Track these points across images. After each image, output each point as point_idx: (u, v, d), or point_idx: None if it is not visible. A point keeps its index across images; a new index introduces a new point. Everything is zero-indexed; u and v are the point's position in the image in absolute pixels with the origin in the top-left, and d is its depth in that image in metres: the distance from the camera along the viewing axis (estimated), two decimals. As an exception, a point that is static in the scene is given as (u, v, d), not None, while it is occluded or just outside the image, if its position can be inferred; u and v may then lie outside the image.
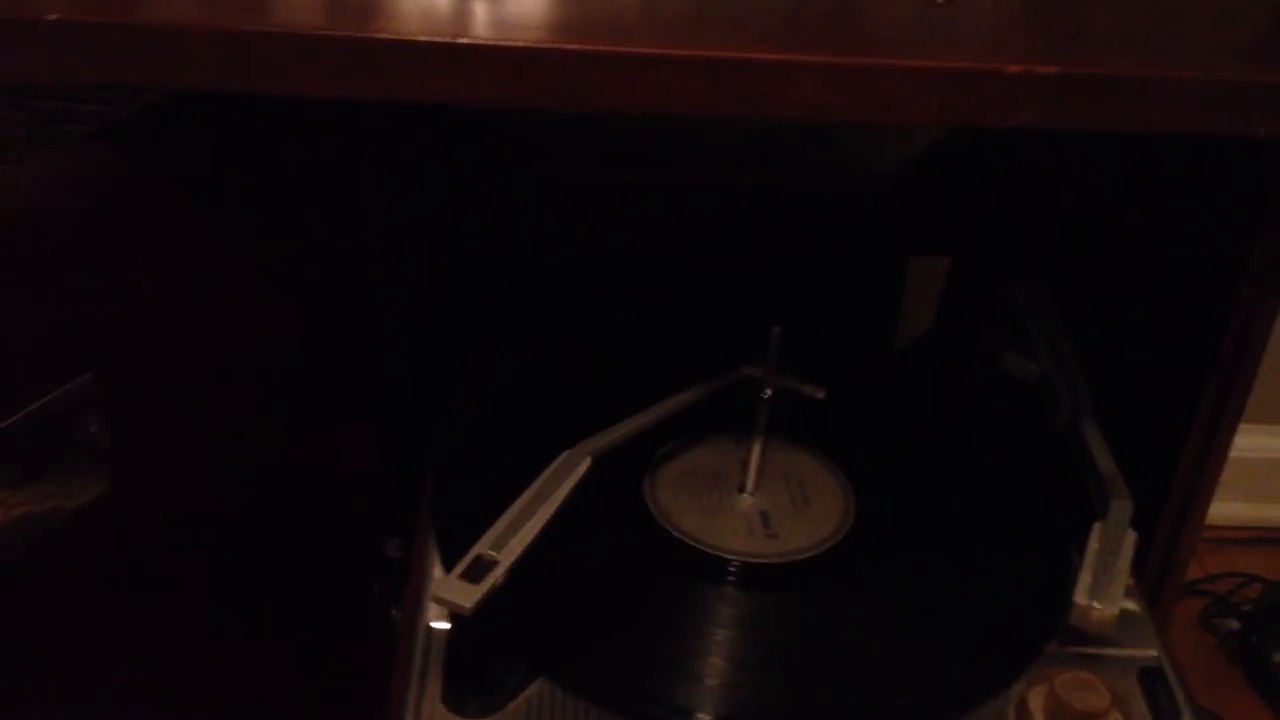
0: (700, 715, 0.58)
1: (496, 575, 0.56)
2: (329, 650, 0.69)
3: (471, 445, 0.71)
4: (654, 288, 0.82)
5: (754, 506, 0.69)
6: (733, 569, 0.65)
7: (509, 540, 0.58)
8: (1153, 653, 0.64)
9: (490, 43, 0.48)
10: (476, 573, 0.56)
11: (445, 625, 0.60)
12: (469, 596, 0.55)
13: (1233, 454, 1.22)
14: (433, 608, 0.60)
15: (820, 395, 0.68)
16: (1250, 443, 1.24)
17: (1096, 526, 0.65)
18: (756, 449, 0.69)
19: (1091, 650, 0.63)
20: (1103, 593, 0.61)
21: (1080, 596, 0.61)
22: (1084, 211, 0.80)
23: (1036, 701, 0.60)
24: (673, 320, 0.80)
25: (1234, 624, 1.14)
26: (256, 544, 0.64)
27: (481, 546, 0.58)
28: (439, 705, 0.58)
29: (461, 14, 0.51)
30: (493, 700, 0.58)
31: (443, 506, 0.67)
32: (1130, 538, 0.64)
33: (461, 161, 0.76)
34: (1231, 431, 0.69)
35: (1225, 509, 1.26)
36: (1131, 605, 0.61)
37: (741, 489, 0.69)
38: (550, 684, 0.59)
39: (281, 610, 0.67)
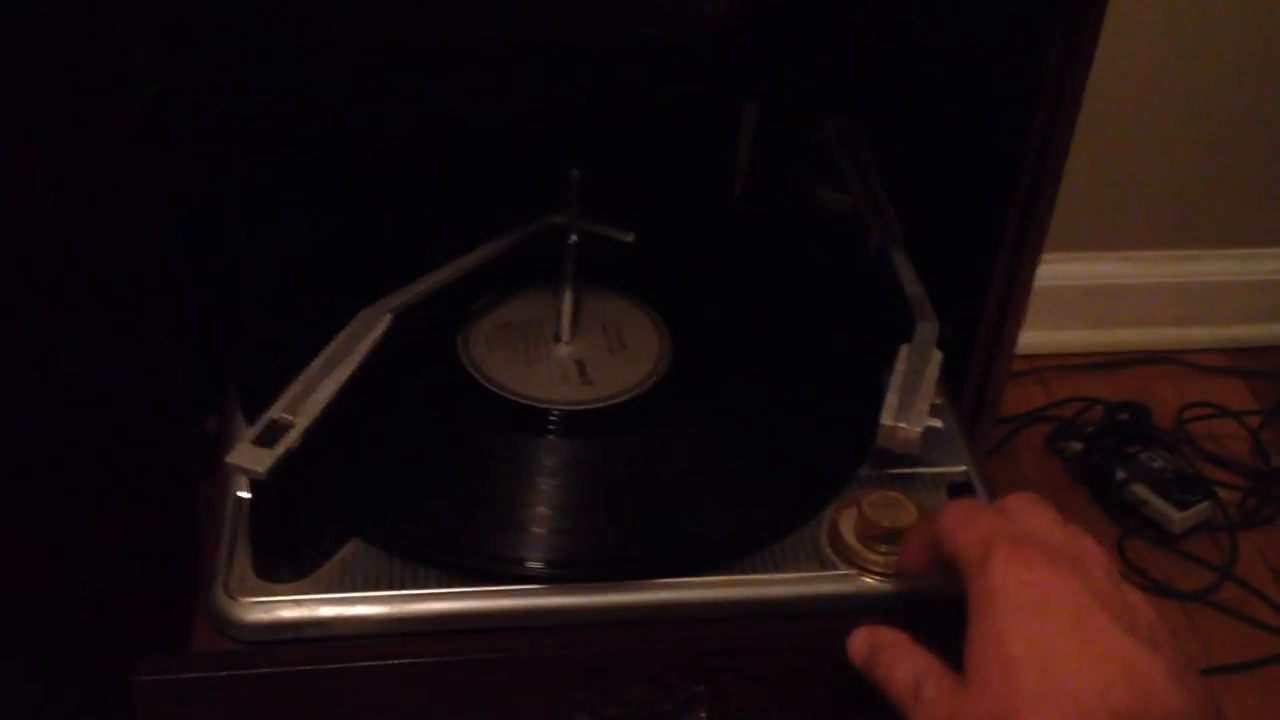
0: (526, 561, 0.58)
1: (291, 439, 0.55)
2: (153, 535, 0.68)
3: (275, 312, 0.69)
4: (464, 147, 0.80)
5: (570, 355, 0.68)
6: (547, 417, 0.65)
7: (304, 402, 0.57)
8: (961, 468, 0.65)
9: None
10: (270, 437, 0.55)
11: (249, 495, 0.59)
12: (262, 461, 0.54)
13: (1075, 281, 1.26)
14: (241, 478, 0.59)
15: (628, 238, 0.68)
16: (1090, 270, 1.27)
17: (903, 349, 0.65)
18: (568, 297, 0.68)
19: (904, 471, 0.64)
20: (908, 413, 0.62)
21: (886, 417, 0.62)
22: (887, 40, 0.80)
23: (847, 523, 0.61)
24: (486, 181, 0.79)
25: (1077, 446, 1.18)
26: (63, 433, 0.63)
27: (276, 410, 0.56)
28: (250, 574, 0.58)
29: None
30: (304, 565, 0.58)
31: (247, 375, 0.65)
32: (935, 357, 0.65)
33: (237, 19, 0.73)
34: (1037, 250, 0.70)
35: (1070, 336, 1.29)
36: (937, 423, 0.62)
37: (557, 339, 0.69)
38: (366, 544, 0.59)
39: (101, 501, 0.65)
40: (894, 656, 0.52)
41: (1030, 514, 0.52)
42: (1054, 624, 0.47)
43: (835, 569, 0.60)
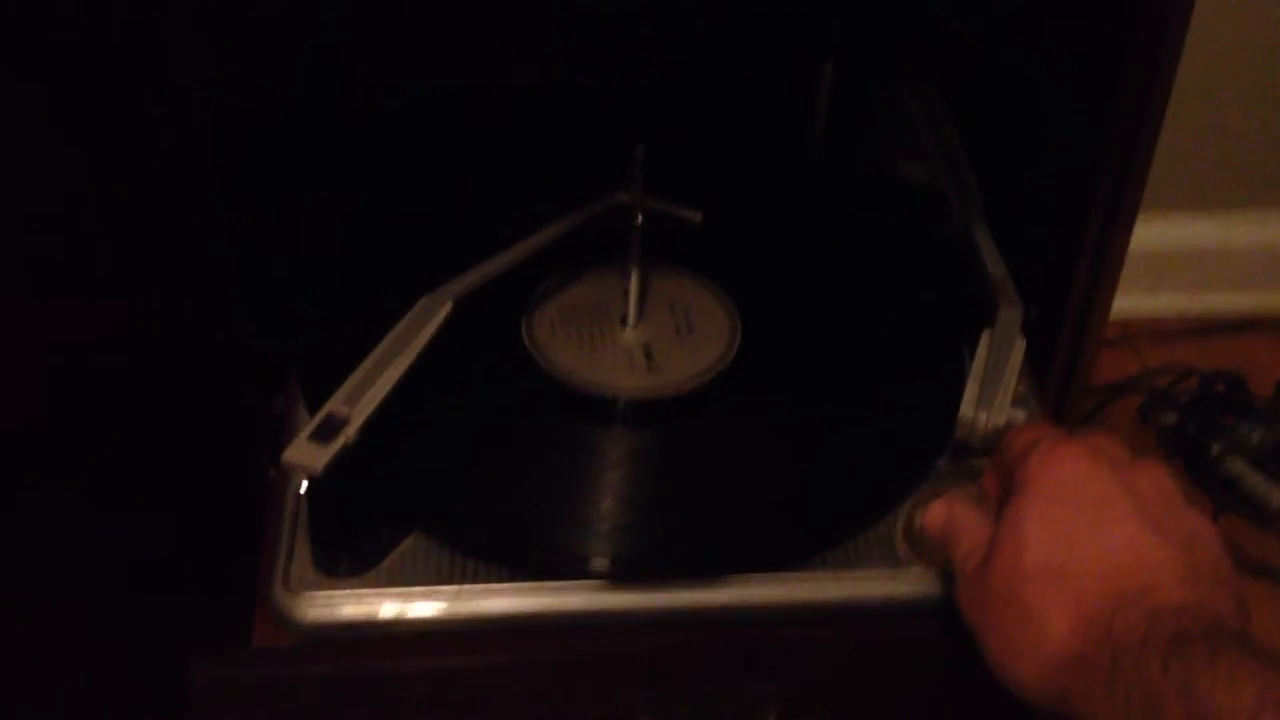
0: (592, 558, 0.57)
1: (348, 433, 0.54)
2: (218, 519, 0.67)
3: (335, 292, 0.68)
4: (528, 123, 0.78)
5: (636, 339, 0.66)
6: (613, 405, 0.63)
7: (363, 395, 0.56)
8: (1045, 459, 0.62)
9: None
10: (327, 432, 0.54)
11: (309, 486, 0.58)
12: (318, 458, 0.53)
13: (1168, 243, 1.21)
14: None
15: (697, 218, 0.65)
16: (1184, 230, 1.21)
17: (985, 335, 0.62)
18: (634, 279, 0.66)
19: (984, 463, 0.62)
20: (990, 403, 0.59)
21: (966, 408, 0.59)
22: (975, 5, 0.76)
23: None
24: (550, 159, 0.76)
25: (1172, 417, 1.14)
26: (124, 412, 0.62)
27: (333, 404, 0.55)
28: (309, 568, 0.57)
29: None
30: (364, 559, 0.57)
31: (307, 359, 0.64)
32: (1019, 345, 0.62)
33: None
34: (1131, 217, 0.66)
35: (1164, 301, 1.24)
36: (1020, 414, 0.59)
37: (623, 322, 0.67)
38: (427, 537, 0.58)
39: (163, 480, 0.65)
40: (959, 530, 0.53)
41: (1098, 434, 0.52)
42: (1074, 508, 0.48)
43: (911, 567, 0.57)
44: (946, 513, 0.54)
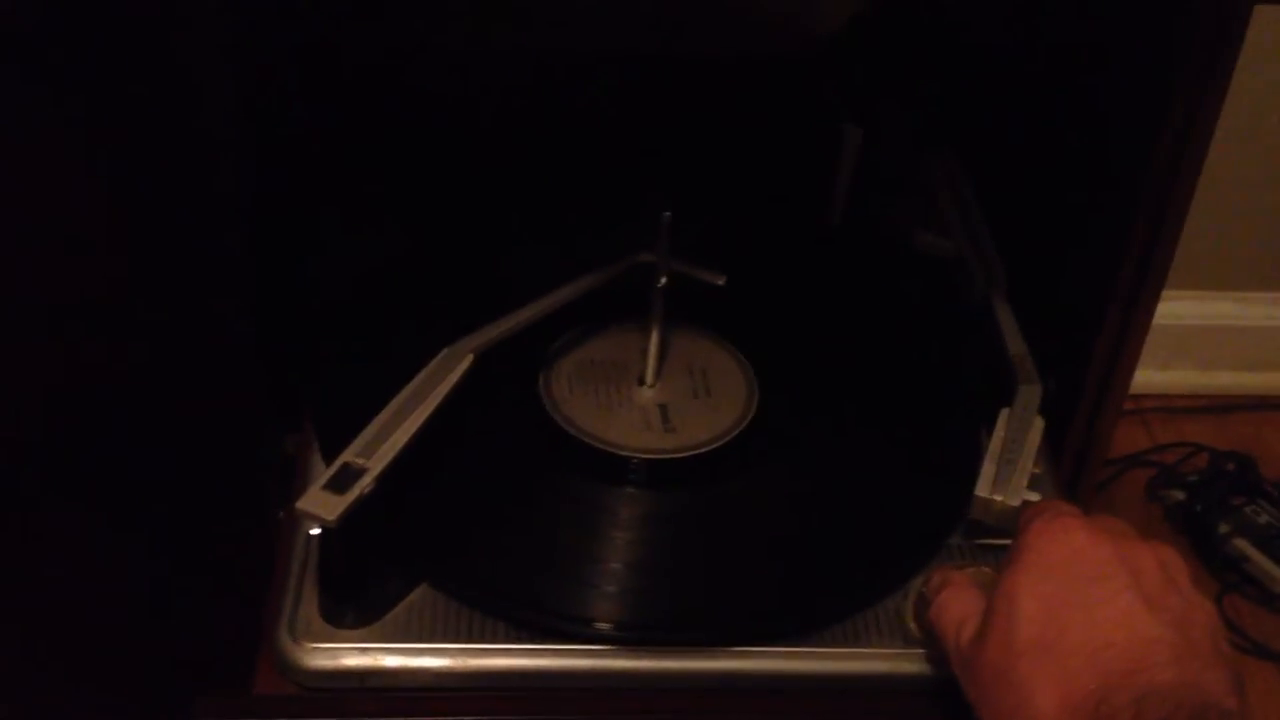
0: (598, 621, 0.56)
1: (364, 484, 0.54)
2: (225, 561, 0.67)
3: (357, 337, 0.68)
4: (550, 168, 0.78)
5: (653, 399, 0.66)
6: (628, 465, 0.63)
7: (380, 446, 0.55)
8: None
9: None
10: (343, 482, 0.54)
11: (319, 534, 0.58)
12: (332, 509, 0.53)
13: (1184, 320, 1.21)
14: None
15: (720, 281, 0.65)
16: (1201, 308, 1.22)
17: (1003, 414, 0.62)
18: (654, 339, 0.66)
19: (997, 542, 0.61)
20: (1005, 484, 0.59)
21: (982, 489, 0.59)
22: (1001, 80, 0.76)
23: (934, 597, 0.58)
24: (574, 203, 0.77)
25: (1180, 495, 1.13)
26: (140, 444, 0.62)
27: (350, 454, 0.55)
28: (315, 618, 0.56)
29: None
30: (371, 610, 0.56)
31: (324, 404, 0.64)
32: (1037, 425, 0.62)
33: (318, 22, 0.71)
34: (1150, 309, 0.66)
35: (1176, 377, 1.24)
36: (1035, 496, 0.59)
37: (641, 381, 0.67)
38: (435, 591, 0.58)
39: (173, 519, 0.65)
40: (950, 597, 0.53)
41: (1108, 517, 0.52)
42: (1070, 583, 0.48)
43: (918, 647, 0.57)
44: (941, 579, 0.55)
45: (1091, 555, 0.49)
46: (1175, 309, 1.20)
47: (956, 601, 0.53)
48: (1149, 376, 1.22)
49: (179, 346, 0.62)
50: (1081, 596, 0.47)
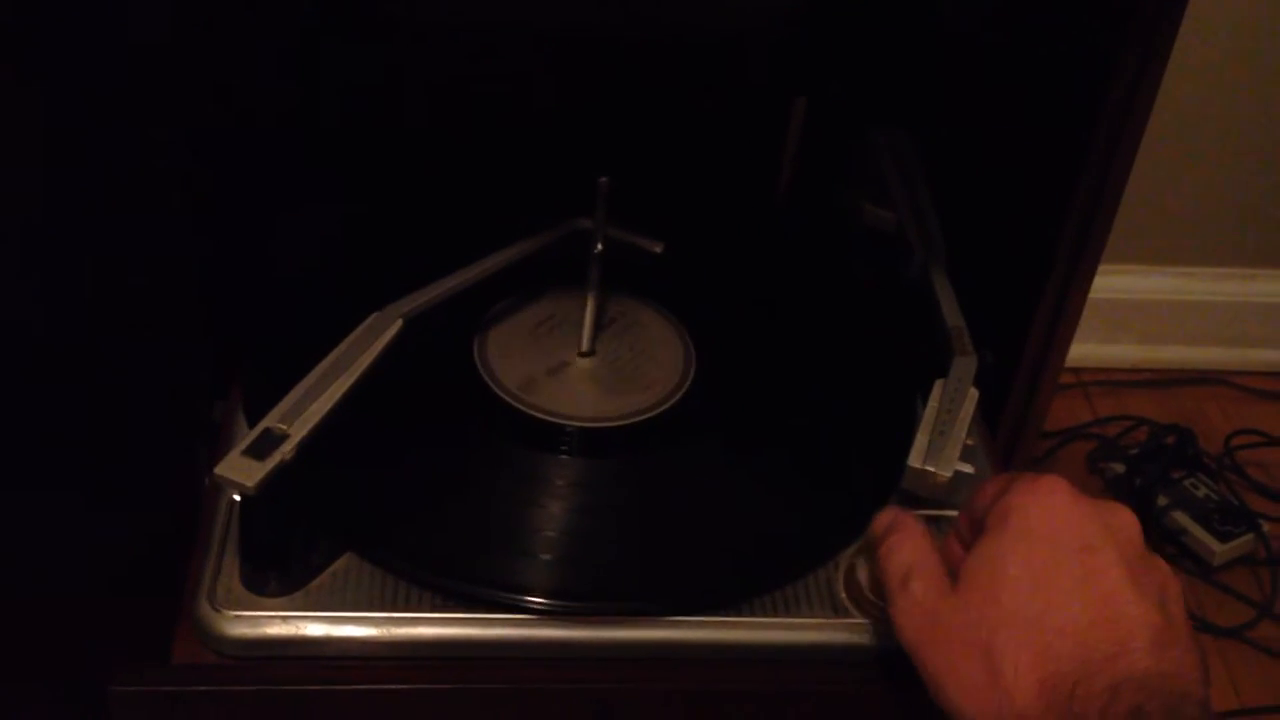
0: (528, 592, 0.55)
1: (285, 451, 0.53)
2: (145, 530, 0.65)
3: (286, 306, 0.67)
4: (491, 146, 0.77)
5: (589, 367, 0.65)
6: (561, 433, 0.62)
7: (303, 412, 0.54)
8: (992, 513, 0.62)
9: None
10: (263, 448, 0.53)
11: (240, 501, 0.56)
12: (252, 475, 0.51)
13: (1125, 294, 1.21)
14: (234, 484, 0.57)
15: (657, 249, 0.65)
16: (1142, 283, 1.22)
17: (937, 385, 0.62)
18: (590, 306, 0.65)
19: (930, 513, 0.61)
20: (938, 455, 0.59)
21: (914, 459, 0.59)
22: (948, 52, 0.76)
23: (864, 568, 0.58)
24: (512, 183, 0.75)
25: (1120, 467, 1.14)
26: (61, 403, 0.61)
27: (271, 419, 0.54)
28: (237, 585, 0.55)
29: None
30: (293, 578, 0.55)
31: (251, 370, 0.63)
32: (971, 397, 0.62)
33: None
34: (1087, 281, 0.66)
35: (1118, 351, 1.25)
36: (968, 468, 0.59)
37: (578, 349, 0.66)
38: (360, 560, 0.57)
39: (90, 482, 0.63)
40: (900, 540, 0.51)
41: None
42: (1058, 554, 0.47)
43: (849, 617, 0.57)
44: (891, 519, 0.53)
45: (1079, 523, 0.47)
46: (1117, 283, 1.21)
47: (907, 546, 0.51)
48: (1091, 350, 1.23)
49: (107, 304, 0.60)
50: (1070, 569, 0.46)
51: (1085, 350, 1.22)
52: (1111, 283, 1.20)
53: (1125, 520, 0.49)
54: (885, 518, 0.53)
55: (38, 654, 0.62)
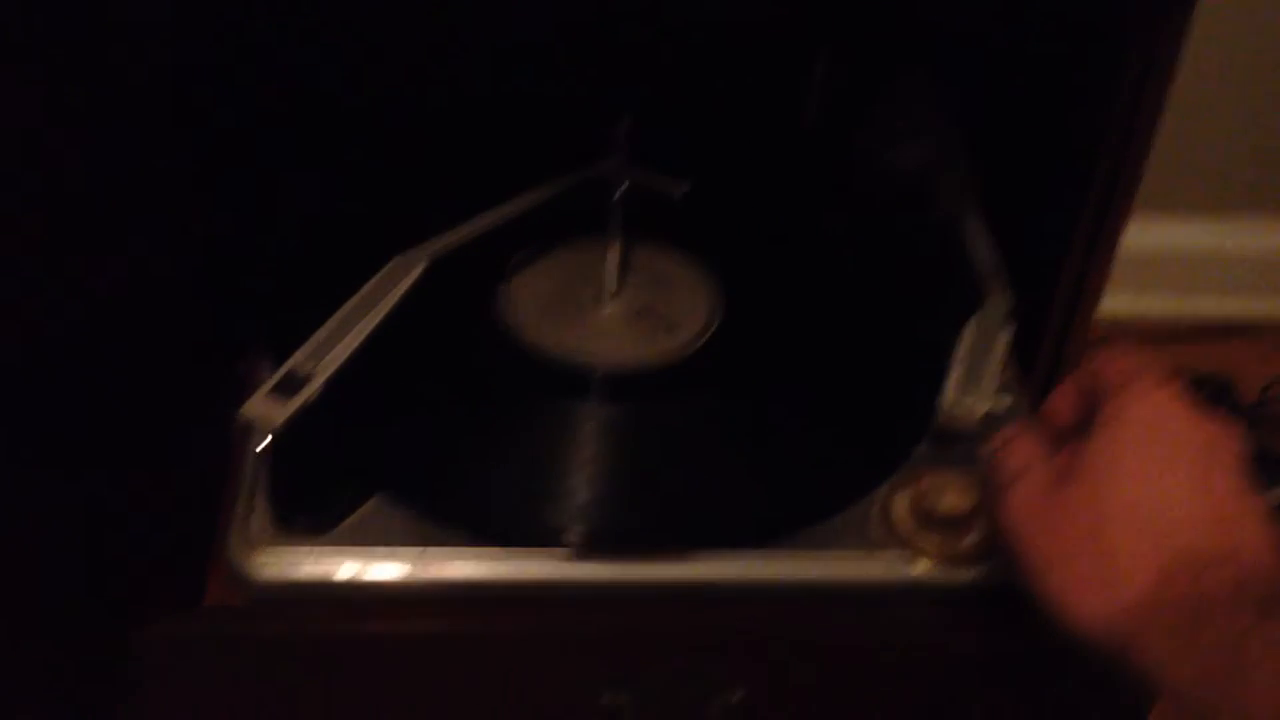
0: (560, 529, 0.55)
1: (310, 391, 0.52)
2: (176, 482, 0.65)
3: (309, 255, 0.66)
4: (517, 87, 0.76)
5: (614, 312, 0.65)
6: (588, 378, 0.61)
7: (327, 352, 0.54)
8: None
9: None
10: (288, 388, 0.52)
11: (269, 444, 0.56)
12: (277, 413, 0.51)
13: (1159, 244, 1.19)
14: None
15: (681, 191, 0.64)
16: (1176, 232, 1.20)
17: (970, 322, 0.61)
18: (615, 251, 0.65)
19: (964, 451, 0.60)
20: (972, 391, 0.58)
21: (948, 396, 0.58)
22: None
23: (901, 504, 0.57)
24: (537, 118, 0.75)
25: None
26: (89, 366, 0.61)
27: (296, 360, 0.53)
28: (267, 527, 0.55)
29: None
30: (324, 519, 0.55)
31: (276, 317, 0.62)
32: (1004, 334, 0.61)
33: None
34: (1122, 218, 0.65)
35: (1151, 302, 1.23)
36: (1001, 405, 0.58)
37: (602, 294, 0.65)
38: (391, 502, 0.56)
39: (118, 435, 0.63)
40: (1014, 445, 0.51)
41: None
42: (1175, 451, 0.46)
43: (886, 552, 0.56)
44: (1003, 435, 0.52)
45: (1196, 426, 0.47)
46: (1150, 235, 1.19)
47: (1016, 449, 0.50)
48: (1126, 302, 1.22)
49: (137, 251, 0.60)
50: (1188, 468, 0.46)
51: (1119, 303, 1.21)
52: (1143, 235, 1.18)
53: (1236, 434, 0.48)
54: (1005, 433, 0.53)
55: (69, 601, 0.62)
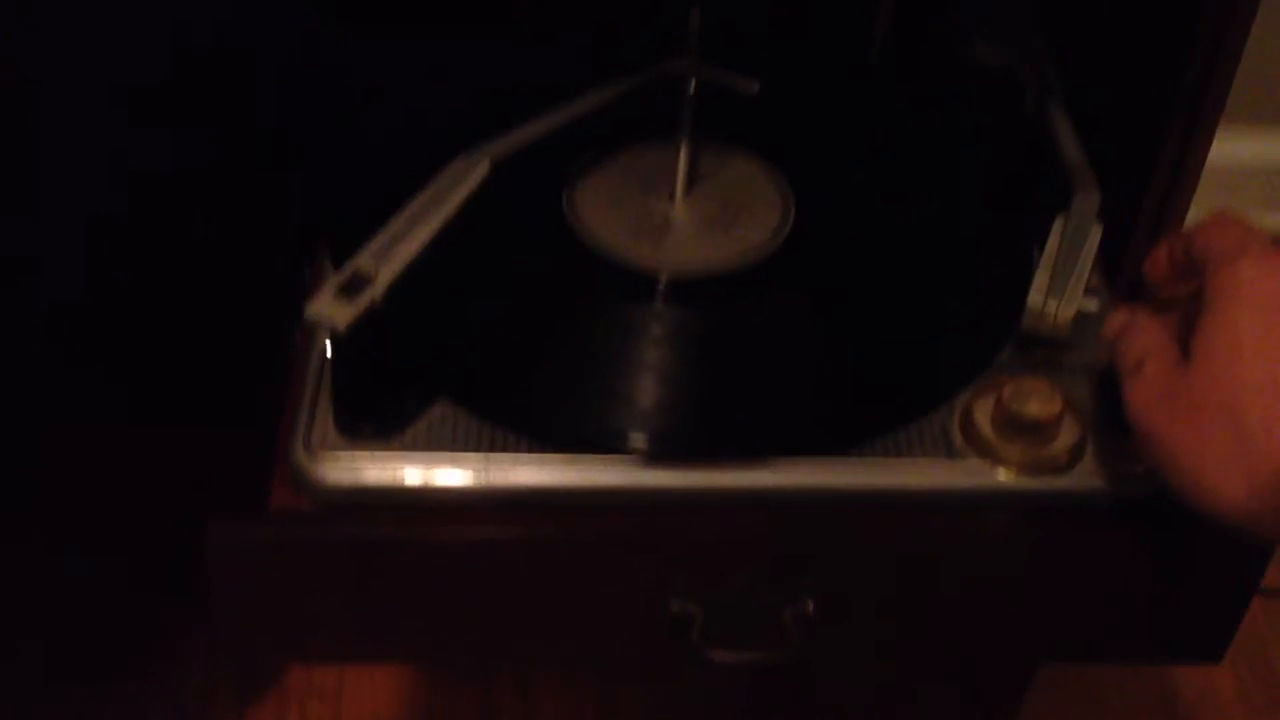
0: (630, 435, 0.53)
1: (375, 291, 0.51)
2: (242, 388, 0.65)
3: (371, 157, 0.65)
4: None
5: (684, 215, 0.63)
6: (656, 282, 0.59)
7: (391, 254, 0.52)
8: (1116, 356, 0.58)
9: None
10: (353, 288, 0.51)
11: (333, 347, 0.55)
12: (341, 315, 0.50)
13: (1250, 158, 1.15)
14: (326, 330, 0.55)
15: (753, 89, 0.61)
16: (1267, 146, 1.16)
17: (1058, 220, 0.58)
18: (684, 152, 0.62)
19: (1051, 357, 0.58)
20: (1059, 292, 0.55)
21: (1034, 296, 0.56)
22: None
23: (983, 411, 0.55)
24: (601, 23, 0.72)
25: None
26: (153, 270, 0.60)
27: (360, 260, 0.52)
28: (332, 431, 0.54)
29: None
30: (389, 424, 0.54)
31: (338, 219, 0.61)
32: (1095, 232, 0.58)
33: None
34: (1212, 124, 0.62)
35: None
36: (1091, 305, 0.56)
37: (671, 198, 0.63)
38: (456, 406, 0.55)
39: (187, 349, 0.63)
40: (1133, 330, 0.51)
41: None
42: None
43: (966, 460, 0.54)
44: (1124, 319, 0.52)
45: None
46: (1238, 148, 1.15)
47: (1140, 334, 0.50)
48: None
49: (204, 157, 0.59)
50: None
51: (1202, 216, 1.17)
52: (1234, 145, 1.14)
53: None
54: (1119, 317, 0.52)
55: (132, 505, 0.62)
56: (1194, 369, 0.46)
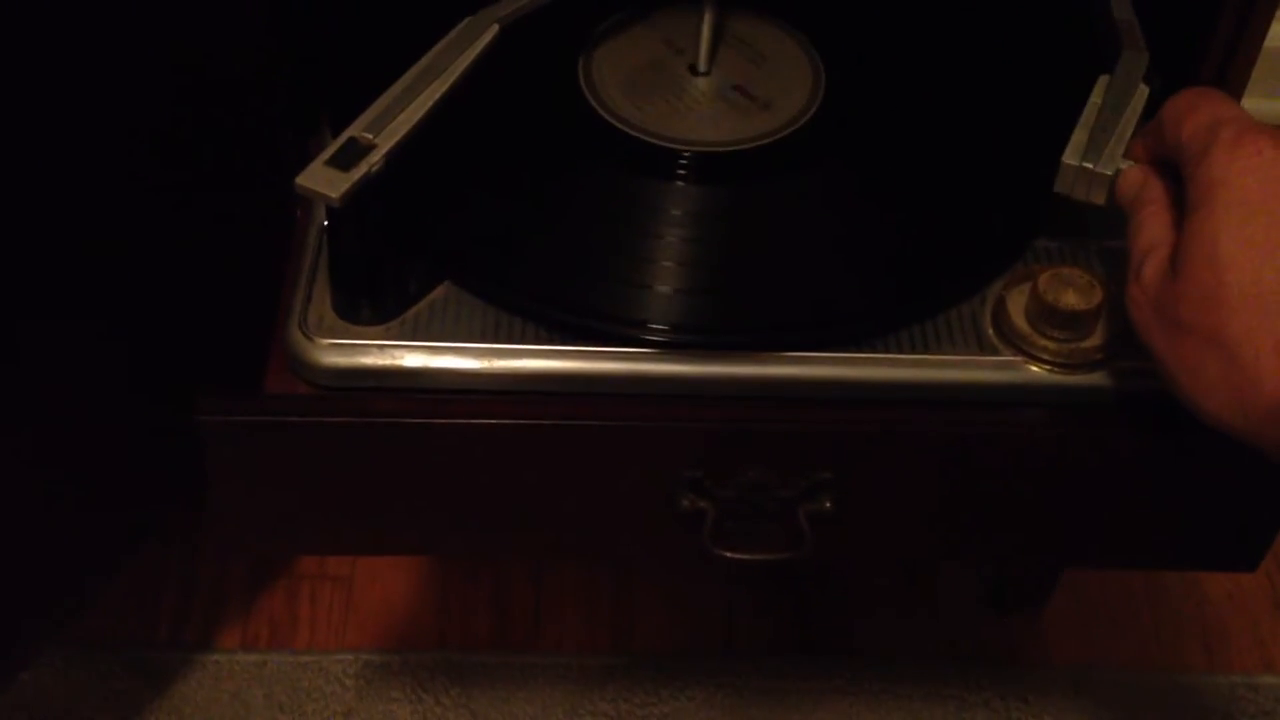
0: (641, 322, 0.51)
1: (373, 161, 0.48)
2: (237, 264, 0.62)
3: (375, 22, 0.61)
4: None
5: (707, 89, 0.59)
6: (676, 158, 0.56)
7: (390, 121, 0.49)
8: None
9: None
10: (348, 158, 0.48)
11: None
12: (337, 186, 0.47)
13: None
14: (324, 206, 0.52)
15: (782, -49, 0.57)
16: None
17: (1102, 79, 0.53)
18: (708, 20, 0.58)
19: (1088, 243, 0.55)
20: (1098, 152, 0.50)
21: (1070, 155, 0.50)
22: None
23: (1017, 302, 0.52)
24: None
25: None
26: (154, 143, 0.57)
27: (356, 128, 0.49)
28: (329, 313, 0.51)
29: None
30: (388, 306, 0.51)
31: (336, 87, 0.57)
32: (1140, 93, 0.53)
33: None
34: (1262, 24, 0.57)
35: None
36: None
37: (693, 69, 0.59)
38: (459, 289, 0.52)
39: (179, 218, 0.60)
40: (1146, 216, 0.47)
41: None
42: (1273, 225, 0.42)
43: (997, 354, 0.51)
44: (1141, 182, 0.48)
45: None
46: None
47: (1149, 225, 0.46)
48: (1266, 106, 1.13)
49: (203, 33, 0.56)
50: None
51: (1259, 105, 1.12)
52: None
53: None
54: (1136, 176, 0.49)
55: (127, 382, 0.60)
56: (1178, 282, 0.43)
